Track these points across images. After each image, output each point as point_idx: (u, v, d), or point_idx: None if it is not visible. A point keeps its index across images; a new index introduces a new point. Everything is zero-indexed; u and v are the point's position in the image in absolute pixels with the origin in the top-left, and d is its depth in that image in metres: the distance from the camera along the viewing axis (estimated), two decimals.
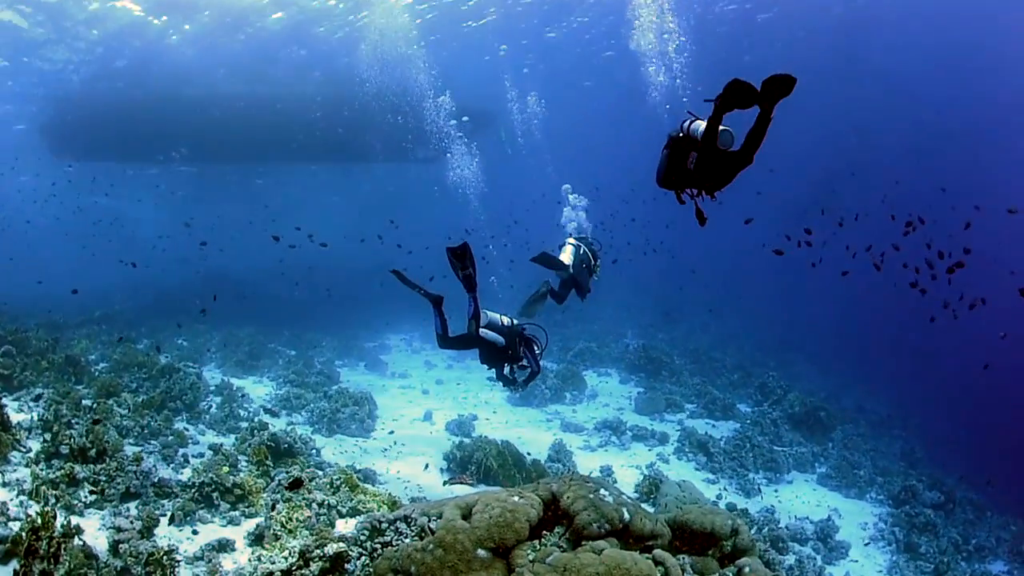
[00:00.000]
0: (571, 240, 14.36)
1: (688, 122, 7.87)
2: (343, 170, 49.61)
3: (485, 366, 13.57)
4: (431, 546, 7.20)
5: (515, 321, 13.18)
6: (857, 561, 14.92)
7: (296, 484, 10.37)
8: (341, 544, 7.13)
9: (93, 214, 43.87)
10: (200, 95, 35.46)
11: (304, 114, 36.73)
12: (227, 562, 8.95)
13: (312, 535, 7.28)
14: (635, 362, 26.55)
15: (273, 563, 7.13)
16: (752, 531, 11.24)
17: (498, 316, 13.02)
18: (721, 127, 7.50)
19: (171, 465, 13.02)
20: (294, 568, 7.03)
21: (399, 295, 27.76)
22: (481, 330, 12.71)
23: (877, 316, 40.87)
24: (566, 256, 14.00)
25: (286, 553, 7.13)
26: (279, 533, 8.54)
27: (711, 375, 26.52)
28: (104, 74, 34.74)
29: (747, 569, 7.82)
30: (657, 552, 7.58)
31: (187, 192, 50.10)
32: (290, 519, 8.78)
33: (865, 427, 24.39)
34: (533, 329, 13.38)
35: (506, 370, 13.40)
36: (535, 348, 13.36)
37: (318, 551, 7.04)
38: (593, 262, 14.39)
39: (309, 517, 9.11)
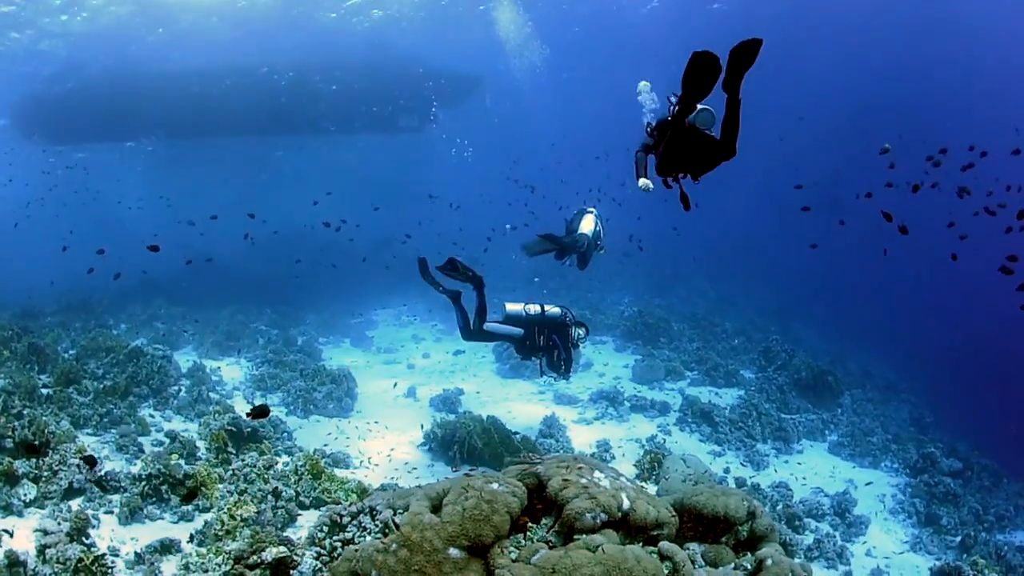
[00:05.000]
0: (591, 209, 14.18)
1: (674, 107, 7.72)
2: (330, 142, 48.38)
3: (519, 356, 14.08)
4: (394, 546, 6.06)
5: (547, 308, 13.21)
6: (875, 540, 13.83)
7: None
8: (282, 548, 5.93)
9: (70, 197, 42.60)
10: (175, 69, 34.29)
11: (282, 85, 35.54)
12: (170, 566, 7.81)
13: (250, 538, 6.08)
14: (631, 328, 25.35)
15: (206, 571, 5.97)
16: (766, 508, 10.17)
17: (521, 307, 13.19)
18: (700, 106, 7.35)
19: (126, 456, 11.92)
20: None
21: (388, 269, 26.97)
22: (488, 324, 12.88)
23: (876, 279, 40.03)
24: (587, 224, 13.81)
25: (220, 559, 5.95)
26: (220, 533, 7.38)
27: (711, 340, 25.39)
28: (75, 54, 33.64)
29: (769, 562, 6.64)
30: (663, 545, 6.42)
31: (167, 171, 48.92)
32: (232, 516, 7.59)
33: (873, 391, 23.42)
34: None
35: (545, 360, 13.50)
36: (571, 336, 13.37)
37: (254, 557, 5.86)
38: (601, 236, 14.27)
39: (257, 513, 7.94)
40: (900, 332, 33.06)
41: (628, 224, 23.16)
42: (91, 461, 9.83)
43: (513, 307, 13.18)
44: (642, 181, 8.61)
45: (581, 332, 13.63)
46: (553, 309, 13.26)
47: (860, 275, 40.95)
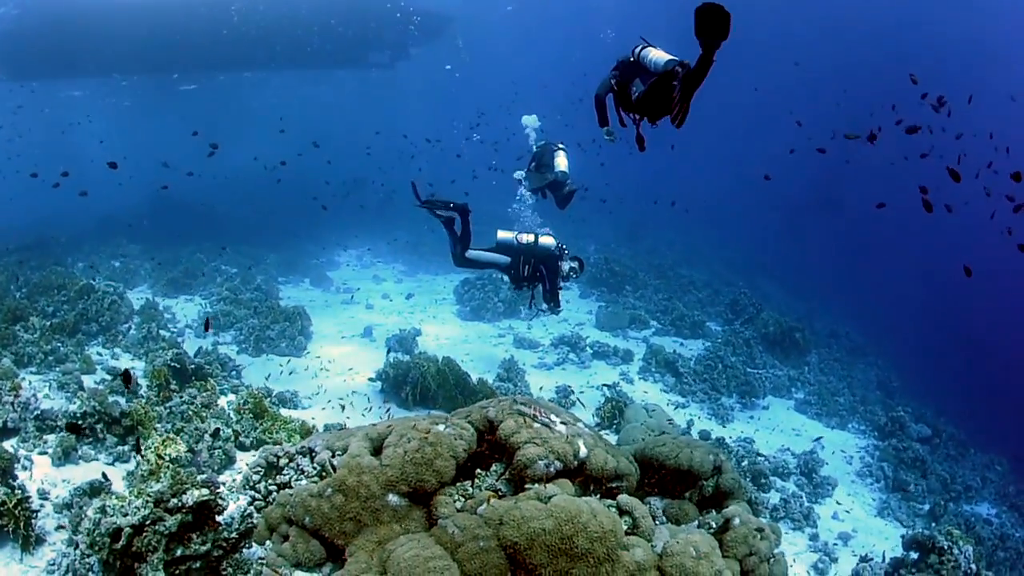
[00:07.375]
0: (561, 146, 13.58)
1: (639, 48, 7.49)
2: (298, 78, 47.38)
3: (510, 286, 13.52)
4: (329, 490, 5.59)
5: (540, 239, 12.77)
6: (842, 504, 13.53)
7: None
8: (204, 491, 5.43)
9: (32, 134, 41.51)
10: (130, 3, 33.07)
11: (250, 18, 34.41)
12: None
13: (171, 480, 5.57)
14: (597, 275, 24.89)
15: (125, 514, 5.46)
16: (732, 463, 9.81)
17: (512, 235, 12.81)
18: (668, 57, 7.02)
19: (66, 394, 11.38)
20: (147, 522, 5.37)
21: (362, 208, 26.41)
22: (470, 252, 12.63)
23: (847, 242, 39.95)
24: (563, 161, 13.24)
25: (140, 502, 5.45)
26: (144, 474, 6.89)
27: (678, 291, 25.03)
28: None
29: (737, 521, 6.20)
30: (622, 498, 5.96)
31: (132, 107, 47.87)
32: (159, 456, 7.09)
33: (840, 352, 23.28)
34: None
35: (539, 291, 13.10)
36: (561, 270, 12.90)
37: (175, 500, 5.37)
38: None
39: (192, 453, 7.44)
40: (868, 296, 32.98)
41: (609, 171, 22.86)
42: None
43: (504, 235, 12.78)
44: (606, 129, 8.41)
45: (575, 266, 13.05)
46: (547, 240, 12.81)
47: (831, 237, 40.79)
